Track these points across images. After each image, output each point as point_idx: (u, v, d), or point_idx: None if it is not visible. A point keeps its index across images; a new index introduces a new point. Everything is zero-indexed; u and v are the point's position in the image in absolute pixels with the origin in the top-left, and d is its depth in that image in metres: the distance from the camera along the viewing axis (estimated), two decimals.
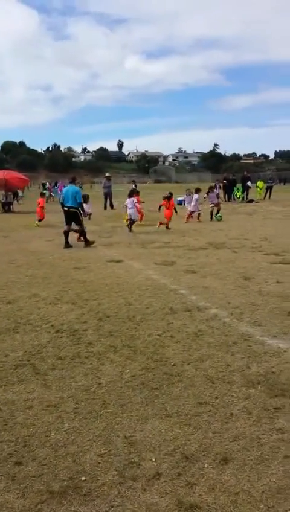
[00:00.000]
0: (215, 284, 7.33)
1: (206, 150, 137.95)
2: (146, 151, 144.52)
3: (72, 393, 3.71)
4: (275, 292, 6.71)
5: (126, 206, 15.02)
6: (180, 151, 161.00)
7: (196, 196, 17.40)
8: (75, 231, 12.35)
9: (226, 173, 39.80)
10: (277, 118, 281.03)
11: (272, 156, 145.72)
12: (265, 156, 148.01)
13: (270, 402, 3.46)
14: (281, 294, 6.56)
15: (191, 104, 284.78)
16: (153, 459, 2.82)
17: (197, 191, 17.50)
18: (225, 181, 29.87)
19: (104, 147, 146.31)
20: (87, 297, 6.69)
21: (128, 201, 14.94)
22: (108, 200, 24.91)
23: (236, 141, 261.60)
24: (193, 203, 17.57)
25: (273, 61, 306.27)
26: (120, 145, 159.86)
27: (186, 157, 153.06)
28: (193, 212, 17.54)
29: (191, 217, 17.55)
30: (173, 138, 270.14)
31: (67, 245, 11.81)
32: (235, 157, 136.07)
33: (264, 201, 29.39)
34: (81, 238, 12.25)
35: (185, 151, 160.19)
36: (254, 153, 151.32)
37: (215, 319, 5.56)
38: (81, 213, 12.17)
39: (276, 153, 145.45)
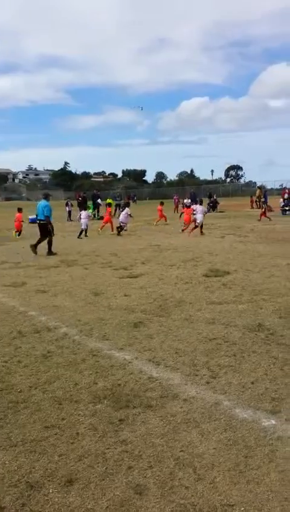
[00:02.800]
0: (66, 303, 7.31)
1: (57, 168, 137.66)
2: None
3: None
4: (122, 305, 6.96)
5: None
6: (30, 168, 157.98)
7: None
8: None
9: (77, 191, 40.45)
10: (122, 139, 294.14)
11: (120, 175, 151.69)
12: (114, 175, 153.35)
13: (115, 415, 3.55)
14: (128, 307, 6.84)
15: (40, 121, 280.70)
16: None
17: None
18: (80, 198, 30.25)
19: None
20: None
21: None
22: None
23: (86, 160, 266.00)
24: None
25: (117, 83, 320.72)
26: None
27: (37, 175, 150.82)
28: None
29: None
30: (22, 155, 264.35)
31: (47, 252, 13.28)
32: (86, 175, 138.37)
33: (114, 218, 30.36)
34: (34, 245, 13.34)
35: (35, 169, 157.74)
36: (103, 171, 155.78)
37: (65, 338, 5.54)
38: (49, 225, 13.47)
39: (124, 171, 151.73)
